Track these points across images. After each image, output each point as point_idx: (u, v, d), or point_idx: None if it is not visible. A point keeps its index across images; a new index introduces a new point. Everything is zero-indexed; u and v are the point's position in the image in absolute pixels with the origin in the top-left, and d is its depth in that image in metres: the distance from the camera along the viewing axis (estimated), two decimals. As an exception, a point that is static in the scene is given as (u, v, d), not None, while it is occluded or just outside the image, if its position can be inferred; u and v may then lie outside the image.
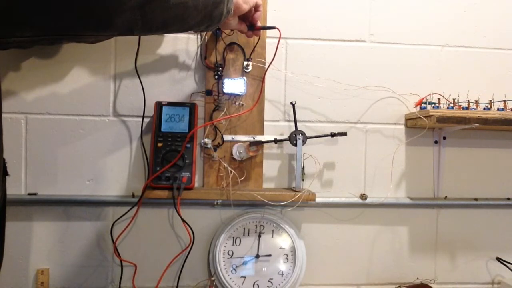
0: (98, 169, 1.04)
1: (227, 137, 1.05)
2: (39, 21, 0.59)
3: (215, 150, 1.04)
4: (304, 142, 1.03)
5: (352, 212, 1.12)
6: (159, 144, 0.98)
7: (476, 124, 0.99)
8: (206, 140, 1.03)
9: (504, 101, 1.07)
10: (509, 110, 1.06)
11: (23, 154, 1.02)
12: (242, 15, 0.89)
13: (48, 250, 1.03)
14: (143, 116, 1.04)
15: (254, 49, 1.05)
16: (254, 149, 1.05)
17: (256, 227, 1.06)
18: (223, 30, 1.03)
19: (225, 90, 1.03)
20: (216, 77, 1.05)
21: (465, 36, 1.14)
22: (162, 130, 0.99)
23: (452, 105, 1.07)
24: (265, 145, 1.07)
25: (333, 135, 1.05)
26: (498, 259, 1.15)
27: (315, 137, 1.05)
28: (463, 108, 1.07)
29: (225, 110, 1.05)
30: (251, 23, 0.93)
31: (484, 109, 1.07)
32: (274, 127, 1.09)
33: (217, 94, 1.05)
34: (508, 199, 1.15)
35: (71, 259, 1.04)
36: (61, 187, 1.03)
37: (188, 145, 0.98)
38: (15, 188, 1.01)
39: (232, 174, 1.02)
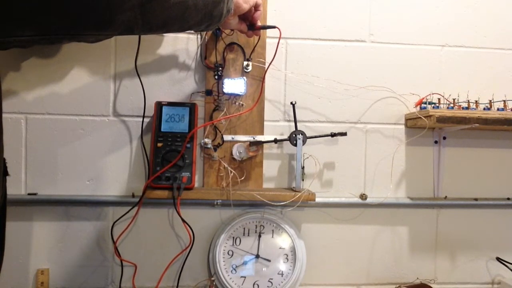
0: (98, 169, 1.04)
1: (227, 137, 1.06)
2: (39, 21, 0.59)
3: (215, 150, 1.04)
4: (304, 142, 1.03)
5: (352, 212, 1.12)
6: (159, 144, 0.98)
7: (476, 124, 0.99)
8: (206, 140, 1.03)
9: (504, 101, 1.07)
10: (509, 110, 1.06)
11: (23, 154, 1.02)
12: (242, 15, 0.89)
13: (48, 250, 1.03)
14: (143, 116, 1.04)
15: (254, 49, 1.05)
16: (254, 149, 1.05)
17: (256, 227, 1.06)
18: (223, 29, 1.03)
19: (225, 90, 1.03)
20: (216, 77, 1.05)
21: (465, 36, 1.14)
22: (162, 130, 0.99)
23: (452, 105, 1.07)
24: (265, 145, 1.07)
25: (333, 135, 1.05)
26: (498, 259, 1.15)
27: (315, 137, 1.05)
28: (463, 108, 1.07)
29: (225, 110, 1.05)
30: (251, 22, 0.93)
31: (484, 109, 1.07)
32: (274, 127, 1.09)
33: (217, 94, 1.05)
34: (508, 199, 1.15)
35: (71, 259, 1.04)
36: (61, 187, 1.03)
37: (188, 145, 0.98)
38: (15, 188, 1.01)
39: (232, 174, 1.02)
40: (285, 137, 1.04)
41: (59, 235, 1.03)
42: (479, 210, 1.15)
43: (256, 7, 0.91)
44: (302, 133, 1.03)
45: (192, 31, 1.03)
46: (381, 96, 1.12)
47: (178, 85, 1.06)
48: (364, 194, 1.10)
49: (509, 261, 1.14)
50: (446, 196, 1.13)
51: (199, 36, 1.07)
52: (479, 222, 1.15)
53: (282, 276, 1.04)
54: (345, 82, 1.10)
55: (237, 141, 1.06)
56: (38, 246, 1.03)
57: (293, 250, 1.05)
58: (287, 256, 1.05)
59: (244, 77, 1.05)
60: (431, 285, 1.10)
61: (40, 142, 1.03)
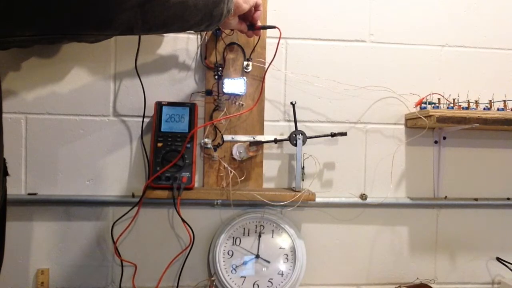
0: (98, 169, 1.04)
1: (227, 137, 1.05)
2: (39, 21, 0.59)
3: (215, 150, 1.04)
4: (304, 142, 1.03)
5: (352, 212, 1.12)
6: (159, 144, 0.98)
7: (476, 124, 0.99)
8: (206, 140, 1.03)
9: (504, 101, 1.07)
10: (509, 110, 1.06)
11: (23, 154, 1.02)
12: (242, 15, 0.89)
13: (48, 250, 1.03)
14: (143, 116, 1.04)
15: (254, 49, 1.05)
16: (254, 149, 1.05)
17: (256, 227, 1.06)
18: (223, 29, 1.03)
19: (225, 90, 1.03)
20: (216, 77, 1.05)
21: (465, 36, 1.14)
22: (162, 130, 0.99)
23: (452, 105, 1.07)
24: (265, 145, 1.07)
25: (333, 135, 1.05)
26: (498, 259, 1.15)
27: (315, 137, 1.05)
28: (463, 108, 1.07)
29: (225, 110, 1.05)
30: (251, 22, 0.94)
31: (484, 109, 1.07)
32: (274, 127, 1.09)
33: (217, 94, 1.05)
34: (508, 199, 1.15)
35: (71, 259, 1.04)
36: (61, 187, 1.03)
37: (188, 145, 0.98)
38: (15, 188, 1.01)
39: (232, 174, 1.02)
40: (285, 137, 1.04)
41: (59, 235, 1.03)
42: (479, 210, 1.15)
43: (256, 7, 0.91)
44: (302, 133, 1.03)
45: (192, 31, 1.03)
46: (381, 96, 1.12)
47: (178, 85, 1.06)
48: (364, 194, 1.10)
49: (509, 261, 1.14)
50: (446, 196, 1.13)
51: (199, 36, 1.07)
52: (479, 222, 1.15)
53: (282, 276, 1.04)
54: (345, 82, 1.10)
55: (237, 141, 1.06)
56: (38, 246, 1.03)
57: (293, 250, 1.05)
58: (287, 256, 1.05)
59: (244, 77, 1.04)
60: (431, 285, 1.10)
61: (40, 142, 1.03)
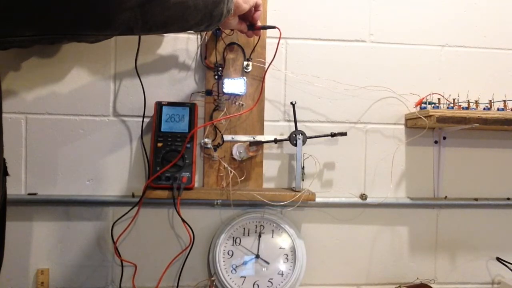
0: (98, 169, 1.04)
1: (227, 137, 1.05)
2: (39, 21, 0.59)
3: (215, 150, 1.04)
4: (304, 142, 1.03)
5: (352, 212, 1.12)
6: (159, 144, 0.98)
7: (476, 124, 0.99)
8: (206, 140, 1.03)
9: (504, 101, 1.07)
10: (509, 110, 1.06)
11: (23, 154, 1.02)
12: (242, 15, 0.89)
13: (48, 250, 1.03)
14: (143, 116, 1.04)
15: (254, 49, 1.05)
16: (254, 149, 1.05)
17: (256, 227, 1.06)
18: (223, 30, 1.03)
19: (225, 90, 1.03)
20: (216, 77, 1.05)
21: (465, 36, 1.14)
22: (162, 130, 0.99)
23: (452, 105, 1.07)
24: (265, 145, 1.07)
25: (333, 135, 1.05)
26: (498, 259, 1.15)
27: (315, 137, 1.05)
28: (463, 108, 1.07)
29: (225, 110, 1.05)
30: (251, 22, 0.94)
31: (484, 109, 1.07)
32: (274, 127, 1.09)
33: (217, 94, 1.05)
34: (508, 199, 1.15)
35: (71, 259, 1.04)
36: (61, 187, 1.03)
37: (188, 145, 0.98)
38: (15, 188, 1.01)
39: (232, 174, 1.02)
40: (285, 137, 1.04)
41: (59, 235, 1.03)
42: (479, 210, 1.15)
43: (256, 7, 0.91)
44: (302, 133, 1.03)
45: (192, 31, 1.03)
46: (381, 96, 1.12)
47: (178, 85, 1.06)
48: (364, 194, 1.10)
49: (509, 261, 1.14)
50: (446, 196, 1.13)
51: (199, 36, 1.07)
52: (479, 222, 1.15)
53: (282, 276, 1.04)
54: (345, 82, 1.10)
55: (237, 141, 1.06)
56: (38, 246, 1.03)
57: (293, 250, 1.05)
58: (287, 256, 1.05)
59: (244, 77, 1.04)
60: (431, 285, 1.10)
61: (40, 142, 1.03)
